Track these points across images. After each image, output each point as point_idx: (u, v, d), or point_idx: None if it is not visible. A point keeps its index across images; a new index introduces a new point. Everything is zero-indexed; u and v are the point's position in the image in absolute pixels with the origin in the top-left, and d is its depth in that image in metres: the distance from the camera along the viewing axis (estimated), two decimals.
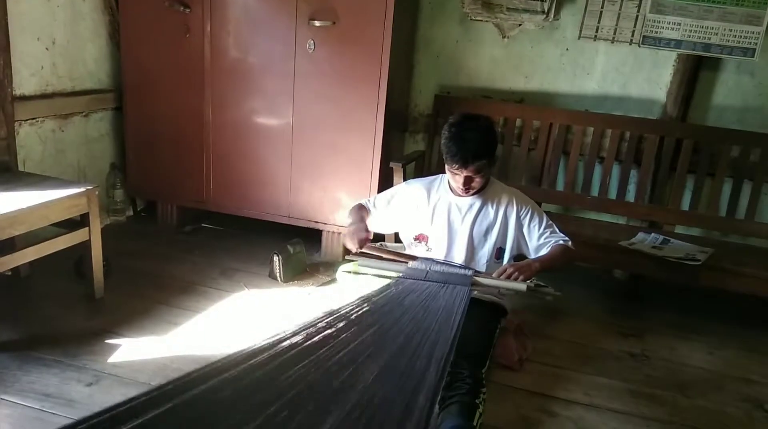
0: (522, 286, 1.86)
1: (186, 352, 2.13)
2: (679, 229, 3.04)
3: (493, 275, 1.93)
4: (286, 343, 1.26)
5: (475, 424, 1.61)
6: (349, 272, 2.23)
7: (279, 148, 2.99)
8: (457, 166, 1.97)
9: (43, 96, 2.77)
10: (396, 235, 2.48)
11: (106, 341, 2.14)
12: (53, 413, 1.75)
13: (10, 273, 2.32)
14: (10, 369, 1.93)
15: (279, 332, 1.30)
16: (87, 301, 2.41)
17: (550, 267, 2.03)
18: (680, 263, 2.57)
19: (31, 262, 2.29)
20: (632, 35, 2.96)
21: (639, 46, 2.94)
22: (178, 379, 1.07)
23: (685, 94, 2.96)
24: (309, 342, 1.29)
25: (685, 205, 3.01)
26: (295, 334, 1.31)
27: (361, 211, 2.24)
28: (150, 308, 2.40)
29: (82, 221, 2.32)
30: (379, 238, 2.29)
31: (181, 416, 1.01)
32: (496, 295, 2.09)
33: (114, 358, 2.05)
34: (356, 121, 2.84)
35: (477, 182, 2.03)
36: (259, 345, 1.21)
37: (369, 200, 2.30)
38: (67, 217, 2.26)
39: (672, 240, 2.81)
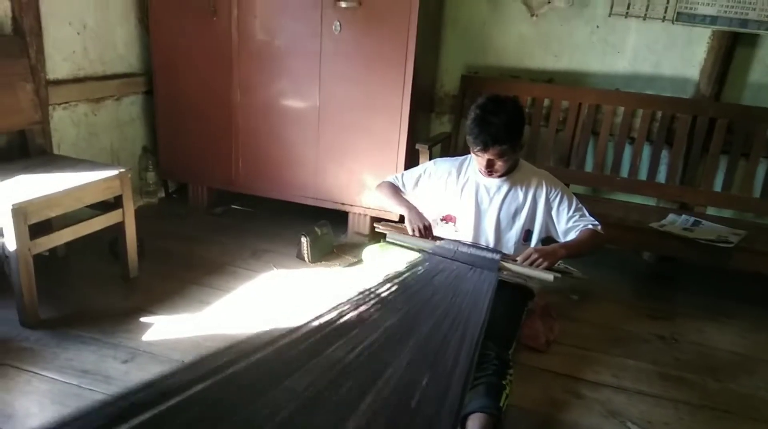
0: (549, 277, 1.84)
1: (218, 330, 2.18)
2: (711, 211, 2.98)
3: (518, 259, 1.92)
4: (317, 324, 1.27)
5: (501, 404, 1.62)
6: (377, 251, 2.24)
7: (305, 129, 3.01)
8: (478, 148, 1.96)
9: (76, 80, 2.82)
10: None
11: (141, 319, 2.20)
12: (91, 389, 1.81)
13: (47, 253, 2.38)
14: (49, 346, 2.00)
15: (311, 313, 1.32)
16: (122, 280, 2.48)
17: (577, 253, 2.00)
18: (712, 246, 2.52)
19: (67, 243, 2.35)
20: (665, 12, 2.88)
21: (672, 23, 2.87)
22: (211, 359, 1.08)
23: (720, 72, 2.88)
24: (339, 322, 1.31)
25: (718, 186, 2.94)
26: (325, 315, 1.32)
27: (398, 190, 2.26)
28: (182, 288, 2.46)
29: (116, 203, 2.37)
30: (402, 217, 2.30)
31: (212, 397, 1.02)
32: (522, 279, 2.08)
33: (148, 336, 2.11)
34: (382, 102, 2.83)
35: (500, 166, 2.02)
36: (293, 326, 1.23)
37: (397, 178, 2.30)
38: (101, 199, 2.32)
39: (703, 222, 2.76)
